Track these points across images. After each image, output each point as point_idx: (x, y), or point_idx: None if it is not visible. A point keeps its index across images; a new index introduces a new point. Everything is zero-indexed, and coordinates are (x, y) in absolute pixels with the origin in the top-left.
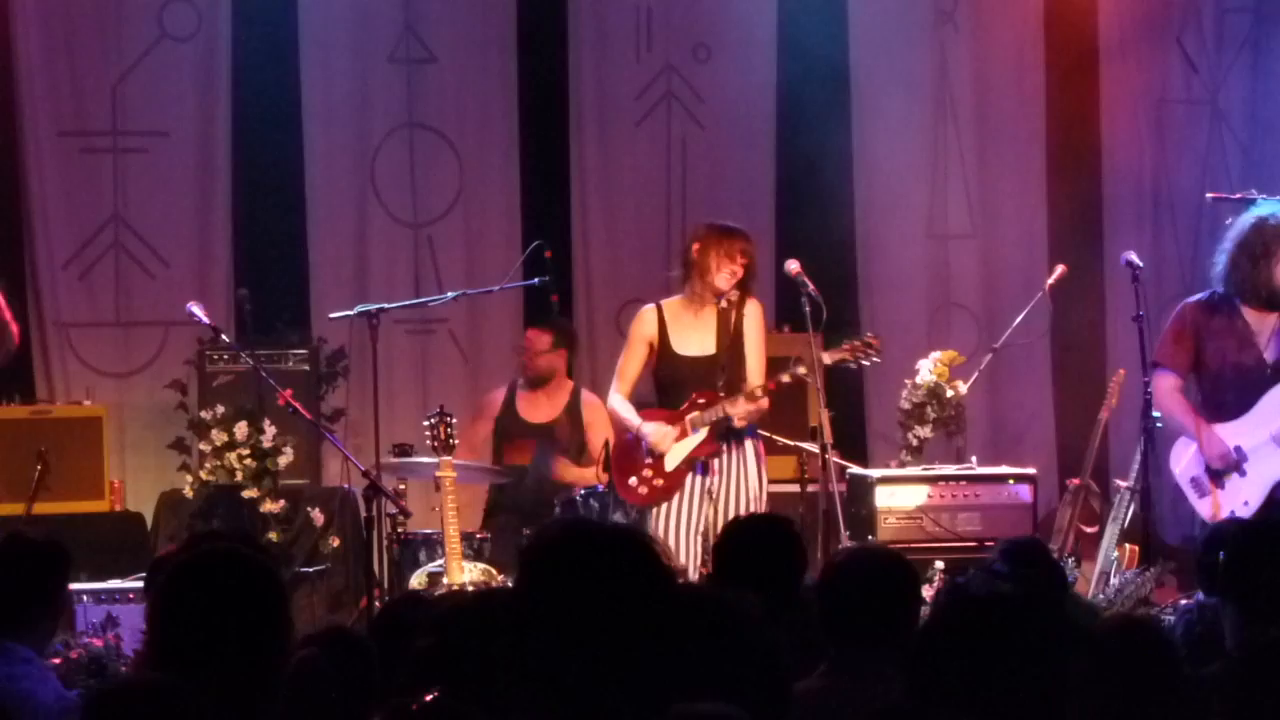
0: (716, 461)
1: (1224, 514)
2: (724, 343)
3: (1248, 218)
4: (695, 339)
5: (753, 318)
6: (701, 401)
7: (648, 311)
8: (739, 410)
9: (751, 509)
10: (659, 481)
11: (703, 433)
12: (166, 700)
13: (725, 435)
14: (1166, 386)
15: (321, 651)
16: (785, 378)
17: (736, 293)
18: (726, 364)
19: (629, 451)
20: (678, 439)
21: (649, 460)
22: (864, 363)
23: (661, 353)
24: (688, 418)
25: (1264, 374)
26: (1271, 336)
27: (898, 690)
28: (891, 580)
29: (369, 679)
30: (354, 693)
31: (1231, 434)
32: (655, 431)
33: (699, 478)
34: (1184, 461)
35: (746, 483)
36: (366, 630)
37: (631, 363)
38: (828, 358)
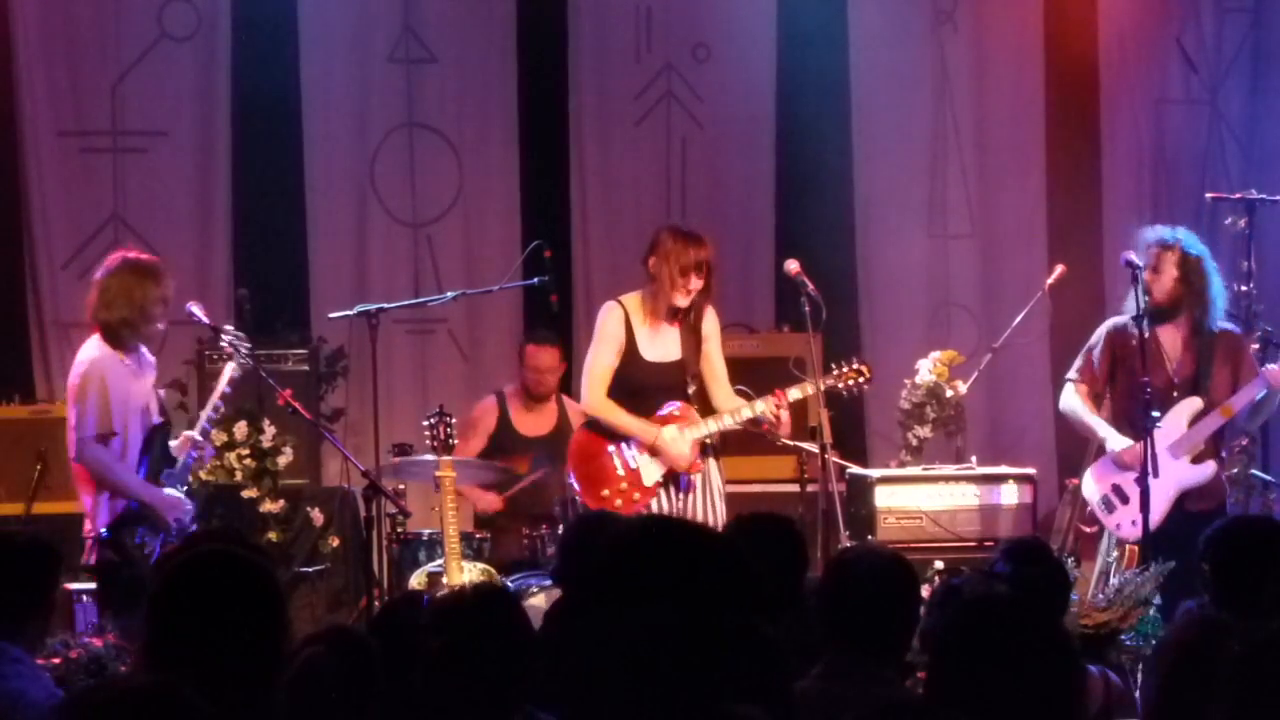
0: (698, 477)
1: (1128, 527)
2: (688, 347)
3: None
4: (659, 343)
5: (714, 326)
6: (677, 415)
7: (614, 311)
8: (724, 427)
9: (717, 520)
10: (636, 494)
11: None
12: (158, 707)
13: (700, 449)
14: (1078, 398)
15: (326, 650)
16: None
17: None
18: (694, 371)
19: (601, 461)
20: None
21: (624, 472)
22: (855, 390)
23: (627, 356)
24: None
25: (1170, 395)
26: (1180, 356)
27: (895, 691)
28: (891, 581)
29: (371, 678)
30: (356, 691)
31: (1138, 451)
32: (679, 447)
33: (678, 493)
34: (1092, 484)
35: (711, 494)
36: (366, 630)
37: (605, 361)
38: (820, 384)
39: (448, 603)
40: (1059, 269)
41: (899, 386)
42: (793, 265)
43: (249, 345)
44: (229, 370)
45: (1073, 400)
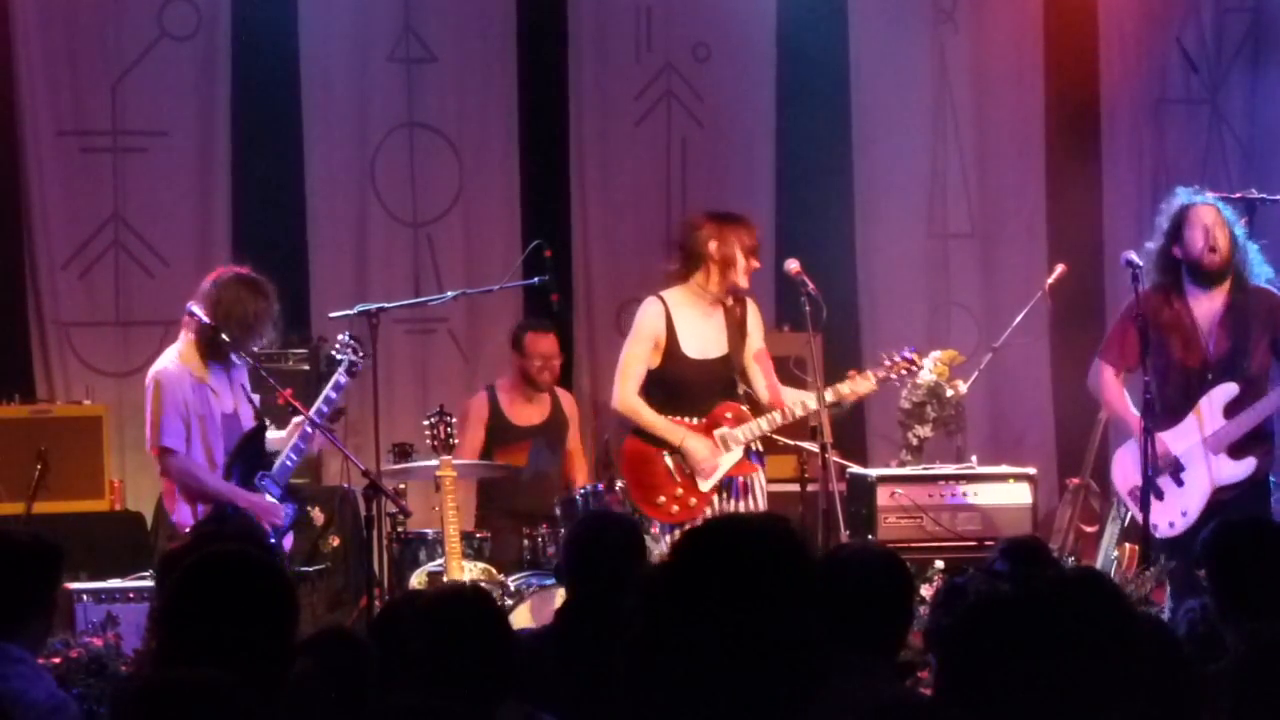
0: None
1: (1165, 526)
2: (734, 343)
3: (1168, 206)
4: (702, 339)
5: (758, 319)
6: (730, 416)
7: (653, 306)
8: (779, 424)
9: None
10: (692, 500)
11: (738, 451)
12: (220, 699)
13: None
14: (1108, 380)
15: (317, 659)
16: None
17: None
18: (739, 368)
19: (655, 466)
20: None
21: (680, 478)
22: (906, 379)
23: (668, 353)
24: (718, 433)
25: (1205, 376)
26: (1212, 331)
27: (890, 689)
28: (884, 578)
29: (366, 679)
30: (351, 693)
31: (1170, 442)
32: (701, 454)
33: (730, 498)
34: (1124, 473)
35: (755, 497)
36: (366, 630)
37: (639, 358)
38: (873, 377)
39: (425, 605)
40: (1059, 269)
41: (899, 385)
42: (793, 265)
43: (359, 355)
44: (337, 374)
45: (1095, 380)
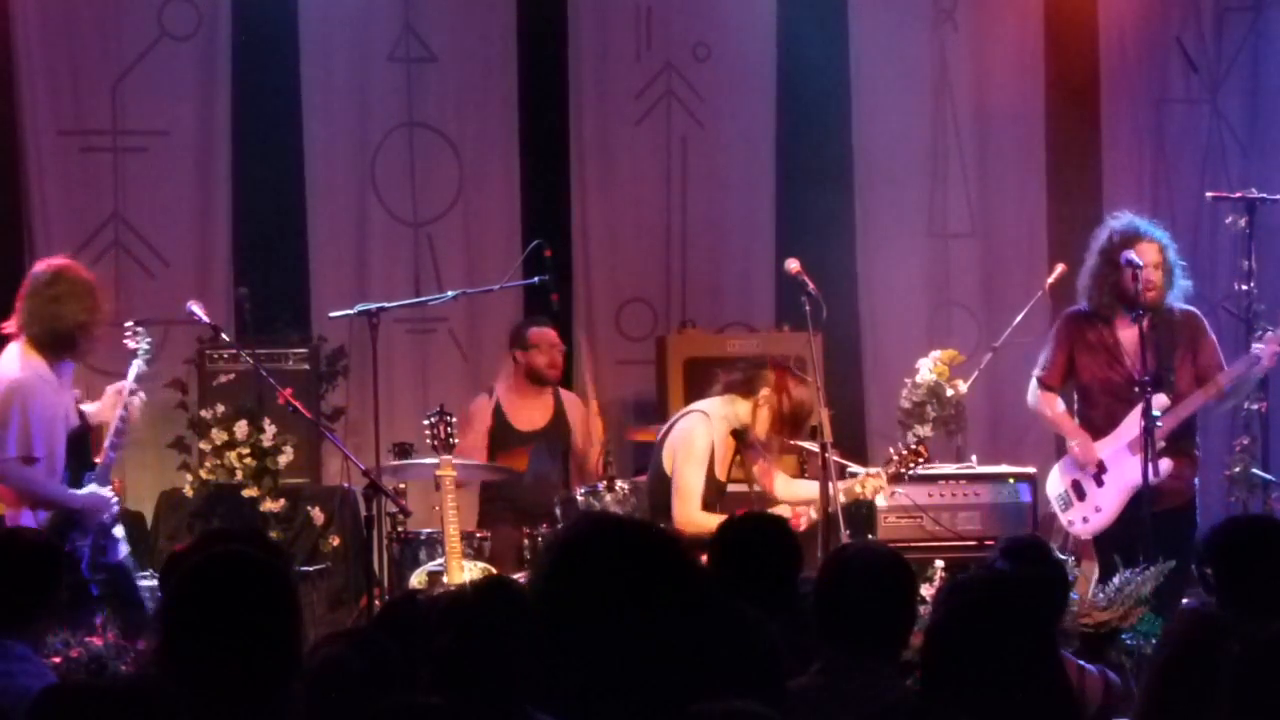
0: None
1: (1079, 522)
2: (747, 471)
3: (1103, 230)
4: (723, 464)
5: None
6: None
7: (704, 426)
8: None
9: None
10: None
11: None
12: (135, 705)
13: None
14: (1041, 395)
15: (348, 650)
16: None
17: None
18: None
19: None
20: None
21: None
22: (914, 470)
23: (709, 473)
24: None
25: (1131, 391)
26: (1138, 352)
27: (893, 688)
28: (889, 579)
29: (391, 677)
30: (376, 690)
31: (1098, 448)
32: None
33: None
34: (1054, 480)
35: None
36: (367, 629)
37: (699, 480)
38: (884, 475)
39: (454, 598)
40: (1059, 269)
41: (899, 386)
42: (793, 264)
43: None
44: (138, 364)
45: (1034, 398)
